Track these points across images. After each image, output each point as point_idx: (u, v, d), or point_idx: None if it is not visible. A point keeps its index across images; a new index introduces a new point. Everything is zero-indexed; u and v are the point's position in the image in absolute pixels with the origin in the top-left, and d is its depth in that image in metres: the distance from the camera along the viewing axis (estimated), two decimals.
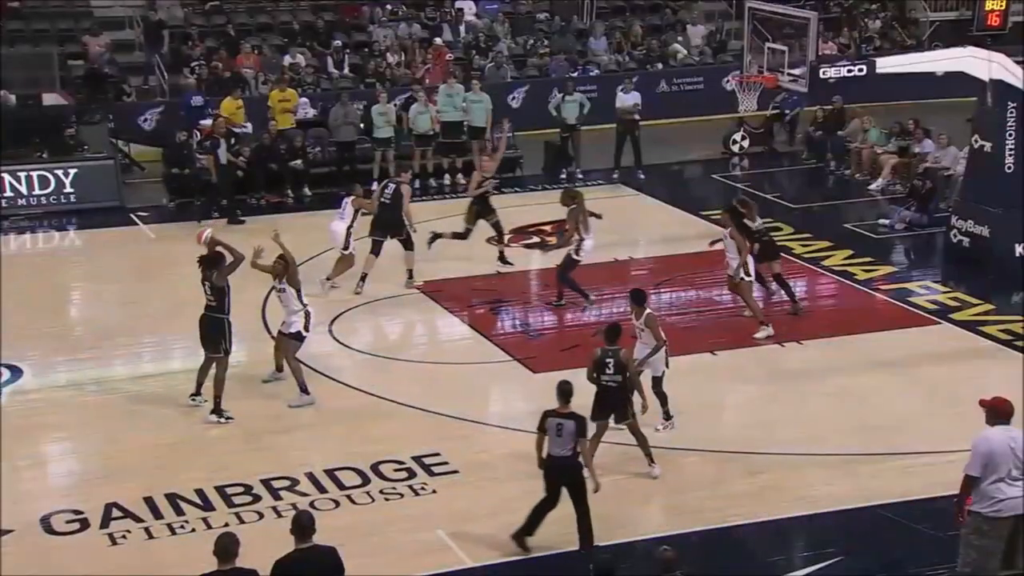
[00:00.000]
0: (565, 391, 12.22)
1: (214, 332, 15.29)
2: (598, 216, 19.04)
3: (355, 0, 32.11)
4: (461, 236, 20.61)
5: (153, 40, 28.72)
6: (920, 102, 29.17)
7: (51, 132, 24.91)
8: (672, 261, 20.63)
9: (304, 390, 15.76)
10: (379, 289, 19.68)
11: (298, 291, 15.72)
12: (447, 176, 26.13)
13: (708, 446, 14.47)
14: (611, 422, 13.72)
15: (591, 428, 12.89)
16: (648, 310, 14.91)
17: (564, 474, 12.16)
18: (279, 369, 16.30)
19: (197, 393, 15.65)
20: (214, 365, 15.38)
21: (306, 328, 15.81)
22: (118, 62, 28.79)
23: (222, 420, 15.27)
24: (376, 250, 19.71)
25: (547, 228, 22.02)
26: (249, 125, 25.33)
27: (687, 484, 13.88)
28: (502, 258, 20.79)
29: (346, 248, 19.48)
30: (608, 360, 13.49)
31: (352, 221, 19.43)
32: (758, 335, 17.88)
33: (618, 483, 13.70)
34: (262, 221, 23.17)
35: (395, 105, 26.48)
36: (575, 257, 18.79)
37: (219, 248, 15.45)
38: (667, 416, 14.87)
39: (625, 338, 14.11)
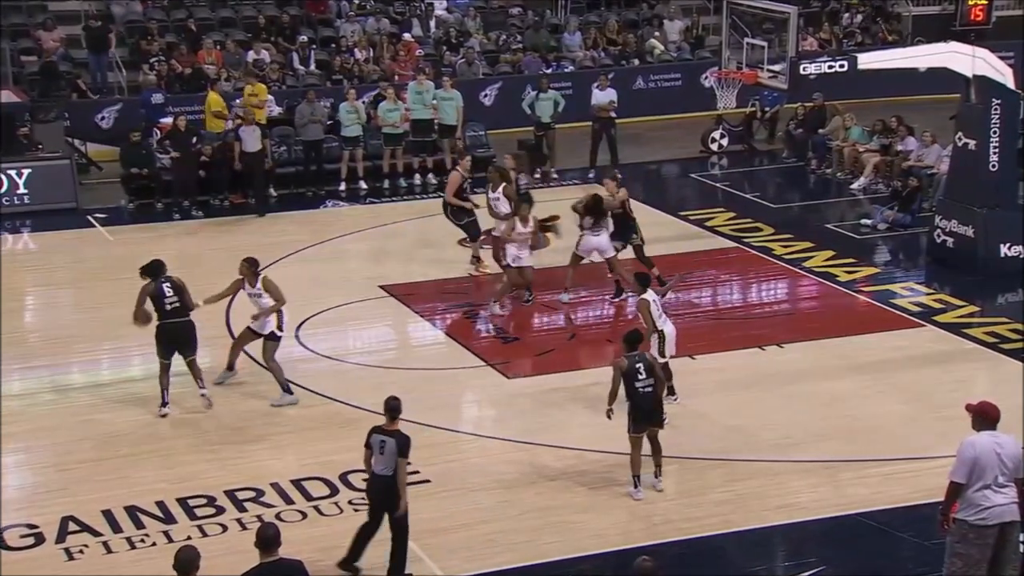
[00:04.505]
0: (392, 407, 11.85)
1: (192, 334, 15.31)
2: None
3: None
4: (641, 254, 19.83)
5: (97, 46, 28.12)
6: (903, 99, 29.15)
7: (4, 131, 24.30)
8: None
9: (287, 390, 15.71)
10: (348, 293, 19.44)
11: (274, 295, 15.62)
12: (417, 176, 25.73)
13: (688, 453, 14.21)
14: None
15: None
16: (643, 296, 14.86)
17: (382, 494, 11.74)
18: (230, 368, 16.22)
19: (166, 403, 15.48)
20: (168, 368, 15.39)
21: (279, 327, 15.67)
22: (73, 58, 28.40)
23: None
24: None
25: None
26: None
27: (666, 492, 13.61)
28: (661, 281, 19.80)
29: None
30: (638, 365, 13.26)
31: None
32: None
33: (596, 492, 13.57)
34: (227, 222, 22.90)
35: (364, 102, 26.09)
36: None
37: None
38: None
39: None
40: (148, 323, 15.27)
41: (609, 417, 13.36)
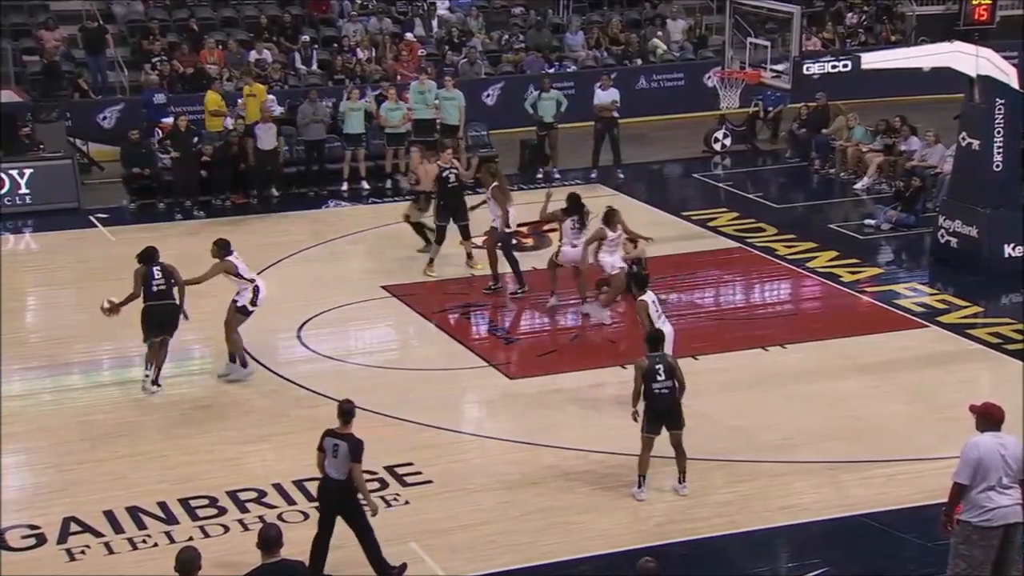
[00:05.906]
0: (346, 411, 11.76)
1: (176, 317, 15.67)
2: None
3: None
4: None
5: (94, 47, 28.08)
6: (906, 99, 29.08)
7: (6, 130, 24.24)
8: (651, 263, 20.16)
9: (236, 362, 16.02)
10: (350, 294, 19.39)
11: (237, 274, 15.80)
12: None
13: (690, 454, 14.06)
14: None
15: (649, 438, 12.85)
16: (642, 297, 14.77)
17: (336, 498, 11.66)
18: (237, 362, 16.27)
19: (158, 383, 15.74)
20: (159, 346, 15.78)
21: (252, 303, 15.85)
22: (75, 58, 28.33)
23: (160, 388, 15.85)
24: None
25: (523, 230, 21.50)
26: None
27: (669, 493, 13.56)
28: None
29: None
30: (658, 366, 13.15)
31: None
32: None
33: (599, 493, 13.52)
34: (229, 222, 22.86)
35: (367, 101, 26.03)
36: (508, 231, 18.96)
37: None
38: None
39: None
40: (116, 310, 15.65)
41: (635, 419, 13.24)
